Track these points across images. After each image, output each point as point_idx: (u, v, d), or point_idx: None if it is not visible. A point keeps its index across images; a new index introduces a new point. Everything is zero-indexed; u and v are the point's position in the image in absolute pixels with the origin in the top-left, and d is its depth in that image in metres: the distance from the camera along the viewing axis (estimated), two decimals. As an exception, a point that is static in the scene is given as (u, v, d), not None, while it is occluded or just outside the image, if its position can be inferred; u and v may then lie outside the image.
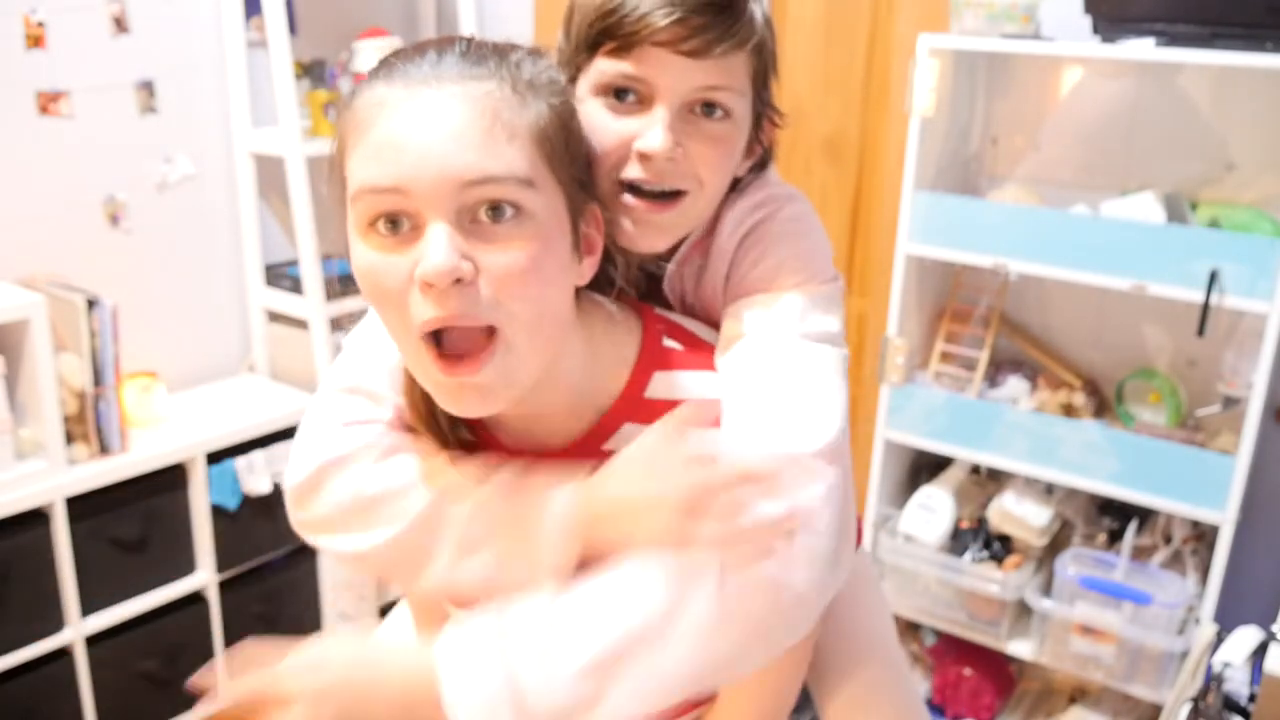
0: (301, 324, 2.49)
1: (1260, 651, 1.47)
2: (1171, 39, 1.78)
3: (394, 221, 0.72)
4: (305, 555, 2.51)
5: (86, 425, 2.07)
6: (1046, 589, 2.07)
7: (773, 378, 0.81)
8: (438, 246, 0.70)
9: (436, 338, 0.73)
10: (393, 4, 2.78)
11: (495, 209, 0.71)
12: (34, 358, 1.95)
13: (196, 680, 0.77)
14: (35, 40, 2.12)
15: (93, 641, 2.14)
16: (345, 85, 2.46)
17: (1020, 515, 2.07)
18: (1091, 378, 2.19)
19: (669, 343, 0.87)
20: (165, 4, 2.32)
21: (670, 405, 0.81)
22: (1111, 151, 2.09)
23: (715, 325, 0.90)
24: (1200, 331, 1.77)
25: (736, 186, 0.92)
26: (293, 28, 2.47)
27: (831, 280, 0.89)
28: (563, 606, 0.73)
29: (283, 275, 2.54)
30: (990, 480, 2.23)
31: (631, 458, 0.76)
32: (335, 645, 0.77)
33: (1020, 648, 2.10)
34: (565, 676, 0.70)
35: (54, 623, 2.06)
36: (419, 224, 0.71)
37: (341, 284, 2.41)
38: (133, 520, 2.16)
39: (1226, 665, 1.49)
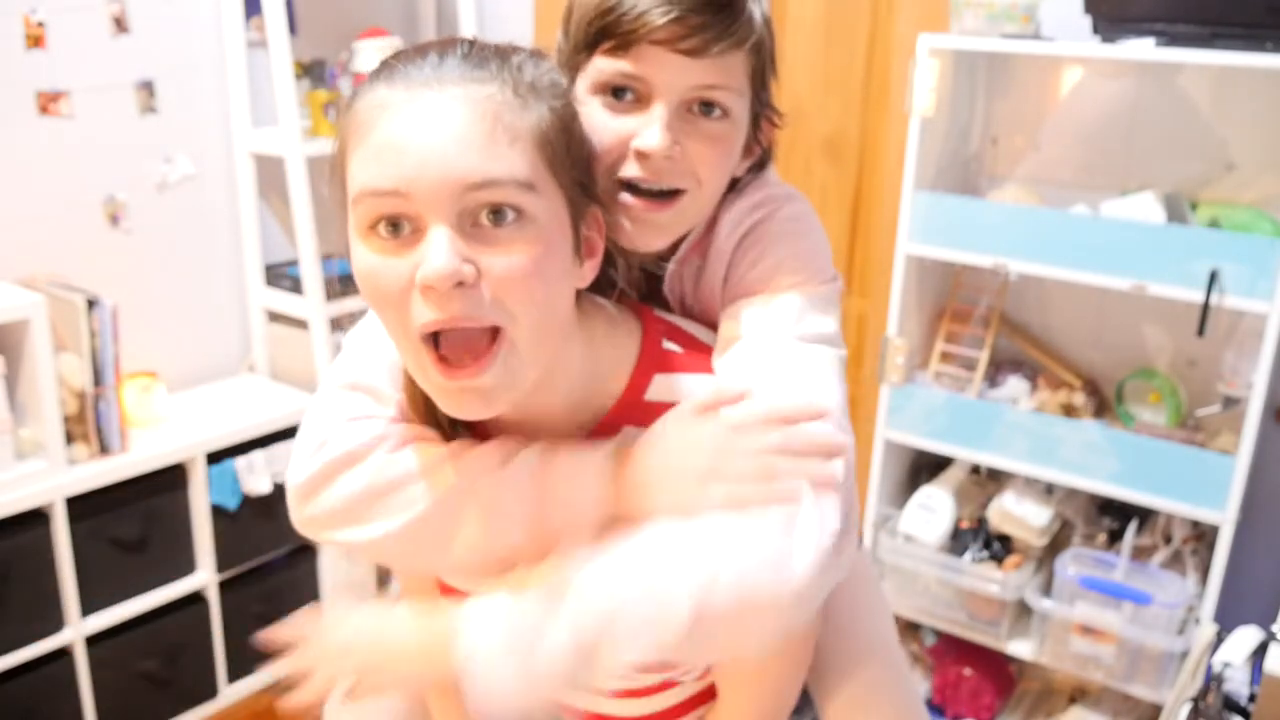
0: (301, 324, 2.49)
1: (1260, 651, 1.47)
2: (1171, 39, 1.78)
3: (395, 224, 0.71)
4: (305, 555, 2.51)
5: (86, 425, 2.07)
6: (1046, 589, 2.07)
7: (768, 380, 0.81)
8: (439, 250, 0.69)
9: (435, 339, 0.73)
10: (393, 4, 2.78)
11: (496, 212, 0.71)
12: (34, 358, 1.95)
13: (266, 637, 0.81)
14: (35, 40, 2.12)
15: (93, 641, 2.14)
16: (345, 85, 2.46)
17: (1020, 515, 2.07)
18: (1091, 378, 2.19)
19: (669, 345, 0.87)
20: (165, 4, 2.32)
21: (670, 408, 0.82)
22: (1111, 151, 2.09)
23: (714, 326, 0.90)
24: (1200, 331, 1.77)
25: (735, 186, 0.92)
26: (293, 28, 2.47)
27: (830, 280, 0.89)
28: (581, 572, 0.74)
29: (283, 275, 2.54)
30: (990, 480, 2.23)
31: (662, 429, 0.79)
32: (355, 616, 0.81)
33: (1020, 648, 2.10)
34: (568, 637, 0.72)
35: (54, 623, 2.07)
36: (420, 227, 0.71)
37: (341, 284, 2.41)
38: (133, 520, 2.16)
39: (1226, 665, 1.49)
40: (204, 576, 2.30)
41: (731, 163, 0.88)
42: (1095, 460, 1.94)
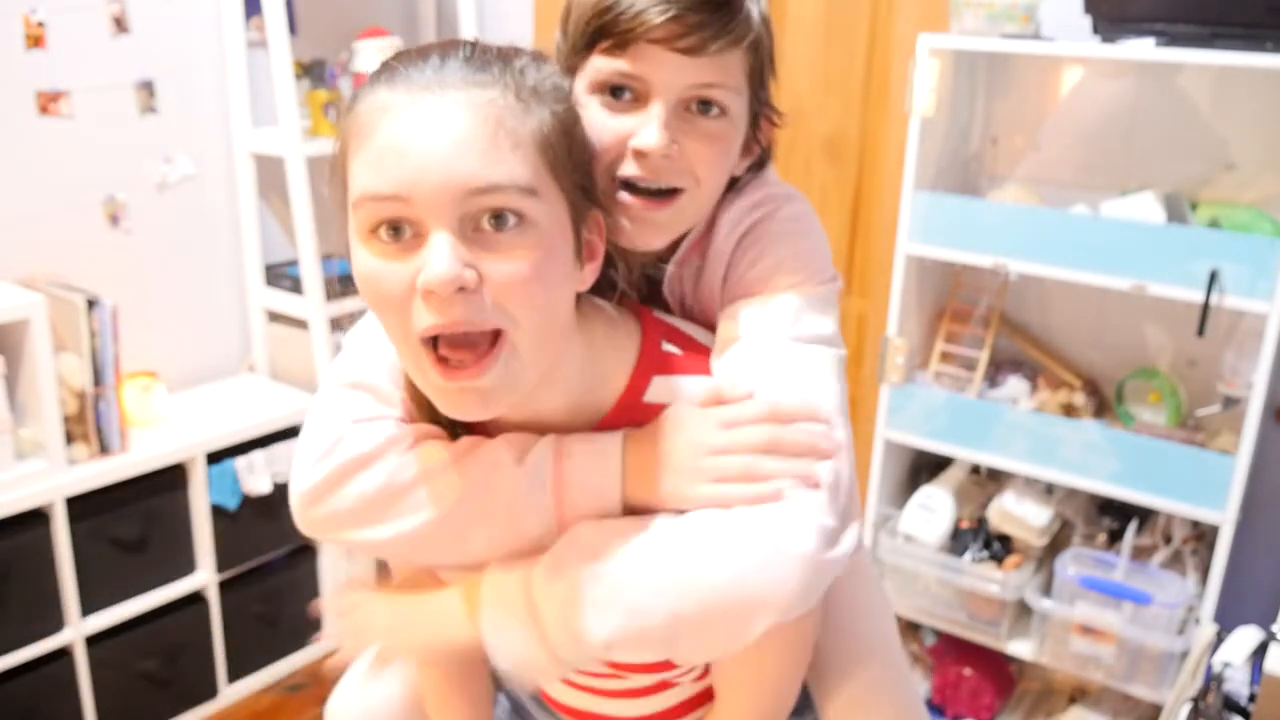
0: (301, 324, 2.49)
1: (1260, 651, 1.47)
2: (1171, 39, 1.78)
3: (396, 228, 0.71)
4: (305, 555, 2.51)
5: (86, 425, 2.07)
6: (1046, 589, 2.07)
7: (763, 381, 0.81)
8: (440, 255, 0.69)
9: (435, 341, 0.73)
10: (393, 4, 2.78)
11: (498, 217, 0.71)
12: (34, 358, 1.95)
13: (315, 609, 0.90)
14: (35, 40, 2.12)
15: (93, 641, 2.14)
16: (345, 85, 2.46)
17: (1020, 515, 2.07)
18: (1091, 378, 2.19)
19: (668, 347, 0.87)
20: (165, 4, 2.32)
21: None
22: (1111, 151, 2.09)
23: (714, 327, 0.90)
24: (1200, 331, 1.77)
25: (735, 186, 0.91)
26: (293, 28, 2.47)
27: (830, 280, 0.89)
28: (590, 556, 0.77)
29: (283, 275, 2.54)
30: (990, 480, 2.23)
31: (659, 425, 0.80)
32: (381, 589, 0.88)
33: (1020, 648, 2.10)
34: (578, 611, 0.77)
35: (54, 623, 2.07)
36: (421, 231, 0.71)
37: (341, 284, 2.41)
38: (133, 520, 2.16)
39: (1226, 665, 1.49)
40: (204, 576, 2.31)
41: (730, 161, 0.88)
42: (1095, 460, 1.94)
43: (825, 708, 1.00)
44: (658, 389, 0.84)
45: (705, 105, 0.84)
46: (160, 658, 2.25)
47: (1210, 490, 1.83)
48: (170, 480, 2.21)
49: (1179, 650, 1.89)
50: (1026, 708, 2.24)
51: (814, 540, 0.74)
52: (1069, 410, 2.09)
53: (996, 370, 2.21)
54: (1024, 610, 2.10)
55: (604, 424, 0.84)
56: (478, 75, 0.73)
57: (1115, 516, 2.10)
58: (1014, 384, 2.17)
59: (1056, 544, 2.12)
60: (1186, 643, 1.88)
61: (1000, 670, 2.25)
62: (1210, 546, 1.91)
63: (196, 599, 2.32)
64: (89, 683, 2.14)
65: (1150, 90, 2.04)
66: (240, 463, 2.29)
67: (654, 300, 0.94)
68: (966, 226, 1.98)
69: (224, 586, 2.35)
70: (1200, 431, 2.00)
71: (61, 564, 2.05)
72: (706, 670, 0.95)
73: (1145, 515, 2.05)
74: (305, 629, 2.56)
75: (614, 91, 0.84)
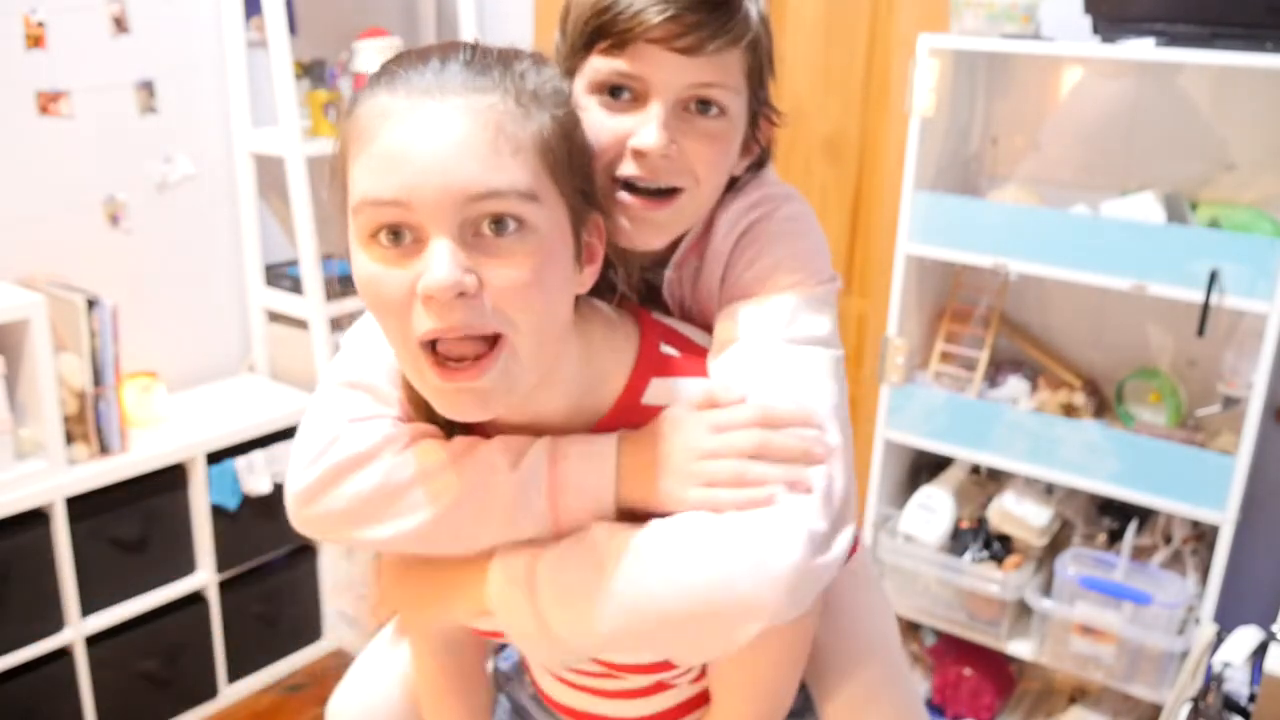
0: (301, 324, 2.49)
1: (1260, 651, 1.47)
2: (1171, 39, 1.78)
3: (396, 233, 0.71)
4: (305, 555, 2.51)
5: (86, 425, 2.07)
6: (1046, 589, 2.07)
7: (757, 384, 0.81)
8: (440, 261, 0.69)
9: (433, 343, 0.73)
10: (393, 4, 2.78)
11: (498, 222, 0.71)
12: (34, 358, 1.96)
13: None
14: (35, 40, 2.12)
15: (93, 641, 2.14)
16: (345, 85, 2.46)
17: (1020, 515, 2.07)
18: (1091, 378, 2.19)
19: (666, 349, 0.87)
20: (165, 4, 2.32)
21: None
22: (1111, 151, 2.09)
23: (712, 328, 0.90)
24: (1200, 331, 1.77)
25: (734, 186, 0.91)
26: (293, 28, 2.47)
27: (828, 281, 0.88)
28: (591, 552, 0.78)
29: (283, 275, 2.54)
30: (990, 480, 2.23)
31: (655, 426, 0.81)
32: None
33: (1020, 648, 2.10)
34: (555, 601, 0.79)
35: (54, 623, 2.07)
36: (421, 237, 0.71)
37: (341, 284, 2.41)
38: (133, 520, 2.16)
39: (1226, 665, 1.49)
40: (204, 576, 2.31)
41: (729, 161, 0.88)
42: (1095, 460, 1.94)
43: (824, 708, 1.00)
44: (655, 391, 0.84)
45: (704, 105, 0.84)
46: (160, 658, 2.25)
47: (1210, 490, 1.83)
48: (170, 480, 2.22)
49: (1179, 650, 1.89)
50: (1026, 708, 2.24)
51: (801, 547, 0.74)
52: (1069, 410, 2.09)
53: (996, 370, 2.21)
54: (1024, 610, 2.10)
55: (601, 425, 0.84)
56: (478, 80, 0.73)
57: (1115, 516, 2.10)
58: (1014, 384, 2.17)
59: (1056, 544, 2.12)
60: (1186, 643, 1.88)
61: (1000, 670, 2.25)
62: (1210, 546, 1.91)
63: (196, 599, 2.32)
64: (89, 683, 2.14)
65: (1150, 90, 2.04)
66: (240, 463, 2.29)
67: (654, 302, 0.94)
68: (966, 226, 1.98)
69: (224, 586, 2.35)
70: (1200, 431, 2.00)
71: (61, 564, 2.05)
72: (704, 672, 0.95)
73: (1145, 515, 2.05)
74: (305, 629, 2.56)
75: (613, 91, 0.84)
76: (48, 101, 2.17)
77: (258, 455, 2.32)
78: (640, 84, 0.82)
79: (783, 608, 0.74)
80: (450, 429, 0.85)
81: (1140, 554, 2.03)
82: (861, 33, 2.34)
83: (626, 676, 0.94)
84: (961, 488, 2.20)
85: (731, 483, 0.76)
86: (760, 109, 0.90)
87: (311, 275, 2.37)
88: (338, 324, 2.44)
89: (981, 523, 2.15)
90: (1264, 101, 1.93)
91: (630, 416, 0.83)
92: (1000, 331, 2.20)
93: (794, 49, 2.40)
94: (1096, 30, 1.87)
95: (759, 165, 0.94)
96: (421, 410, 0.84)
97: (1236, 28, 1.72)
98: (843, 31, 2.36)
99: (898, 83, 2.22)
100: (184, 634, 2.30)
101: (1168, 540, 2.04)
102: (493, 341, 0.73)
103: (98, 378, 2.07)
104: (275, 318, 2.59)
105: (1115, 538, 2.05)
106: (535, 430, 0.83)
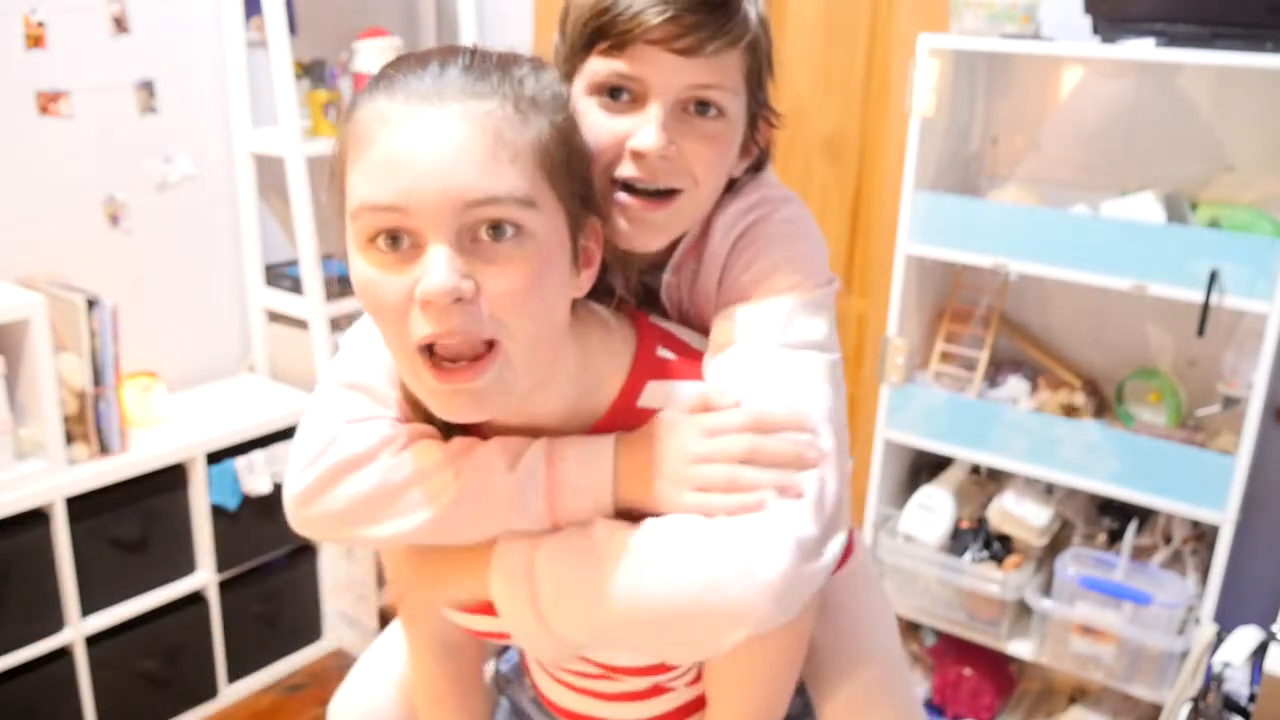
0: (301, 324, 2.49)
1: (1260, 651, 1.47)
2: (1171, 39, 1.78)
3: (394, 238, 0.72)
4: (305, 555, 2.51)
5: (86, 425, 2.07)
6: (1046, 589, 2.07)
7: (751, 388, 0.81)
8: (438, 267, 0.70)
9: (430, 347, 0.73)
10: (393, 4, 2.78)
11: (496, 228, 0.72)
12: (34, 358, 1.96)
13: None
14: (35, 40, 2.12)
15: (93, 641, 2.14)
16: (345, 85, 2.46)
17: (1020, 515, 2.07)
18: (1091, 378, 2.19)
19: (663, 352, 0.87)
20: (165, 4, 2.32)
21: None
22: (1111, 151, 2.09)
23: (708, 331, 0.90)
24: (1200, 331, 1.77)
25: (733, 187, 0.91)
26: (293, 28, 2.47)
27: (826, 284, 0.88)
28: (589, 548, 0.78)
29: (283, 275, 2.54)
30: (990, 480, 2.23)
31: (650, 429, 0.81)
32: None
33: (1020, 648, 2.10)
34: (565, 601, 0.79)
35: (54, 623, 2.07)
36: (419, 242, 0.71)
37: (341, 284, 2.42)
38: (133, 520, 2.16)
39: (1226, 665, 1.49)
40: (204, 576, 2.31)
41: (728, 162, 0.88)
42: (1095, 460, 1.94)
43: (824, 709, 1.00)
44: (652, 394, 0.84)
45: (703, 106, 0.84)
46: (160, 658, 2.26)
47: (1210, 490, 1.83)
48: (170, 480, 2.22)
49: (1179, 650, 1.89)
50: (1026, 708, 2.24)
51: (789, 555, 0.74)
52: (1069, 410, 2.09)
53: (996, 370, 2.21)
54: (1024, 610, 2.10)
55: (597, 428, 0.84)
56: (476, 85, 0.73)
57: (1115, 516, 2.10)
58: (1014, 384, 2.17)
59: (1056, 544, 2.12)
60: (1186, 643, 1.88)
61: (1000, 670, 2.25)
62: (1210, 546, 1.91)
63: (196, 599, 2.32)
64: (89, 683, 2.14)
65: (1150, 90, 2.04)
66: (240, 463, 2.29)
67: (652, 305, 0.94)
68: (966, 226, 1.98)
69: (224, 586, 2.35)
70: (1200, 431, 2.00)
71: (61, 564, 2.05)
72: (700, 676, 0.95)
73: (1145, 515, 2.05)
74: (305, 629, 2.56)
75: (612, 93, 0.84)
76: (48, 101, 2.17)
77: (258, 455, 2.32)
78: (639, 85, 0.82)
79: (769, 615, 0.74)
80: (448, 430, 0.85)
81: (1140, 554, 2.03)
82: (861, 33, 2.34)
83: (623, 679, 0.94)
84: (961, 488, 2.20)
85: (723, 488, 0.76)
86: (759, 110, 0.90)
87: (311, 275, 2.37)
88: (337, 324, 2.44)
89: (981, 523, 2.15)
90: (1264, 101, 1.93)
91: (626, 419, 0.83)
92: (1000, 331, 2.20)
93: (794, 49, 2.40)
94: (1096, 30, 1.87)
95: (758, 167, 0.94)
96: (419, 411, 0.84)
97: (1236, 28, 1.72)
98: (843, 31, 2.36)
99: (898, 83, 2.21)
100: (184, 634, 2.30)
101: (1168, 540, 2.04)
102: (489, 344, 0.73)
103: (98, 378, 2.07)
104: (275, 318, 2.59)
105: (1115, 538, 2.05)
106: (532, 432, 0.83)
